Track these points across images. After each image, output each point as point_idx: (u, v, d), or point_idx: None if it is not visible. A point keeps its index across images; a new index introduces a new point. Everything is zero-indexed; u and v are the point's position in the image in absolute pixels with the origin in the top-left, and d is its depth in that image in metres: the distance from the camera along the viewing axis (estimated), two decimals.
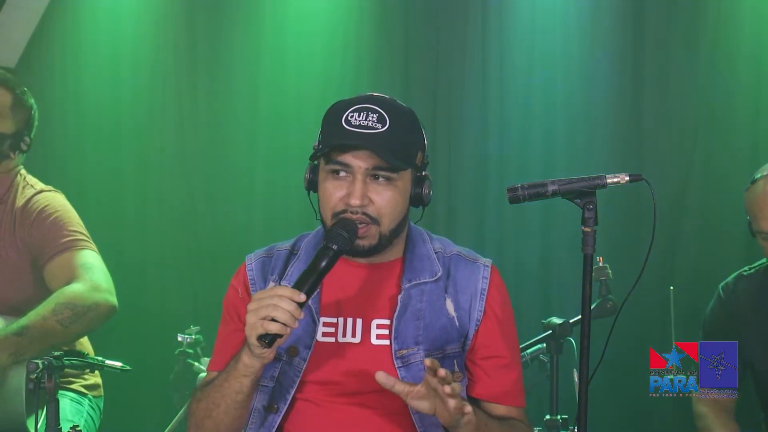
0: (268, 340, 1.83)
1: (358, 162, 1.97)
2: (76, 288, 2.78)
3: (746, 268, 2.80)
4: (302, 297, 1.84)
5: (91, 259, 2.88)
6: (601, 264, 2.89)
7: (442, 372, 1.79)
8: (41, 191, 2.97)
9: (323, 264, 1.90)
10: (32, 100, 2.99)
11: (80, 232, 2.92)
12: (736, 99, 3.72)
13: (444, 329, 2.05)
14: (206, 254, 4.16)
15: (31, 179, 3.02)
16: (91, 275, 2.83)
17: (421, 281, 2.07)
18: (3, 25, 4.08)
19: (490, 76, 3.94)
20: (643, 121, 3.82)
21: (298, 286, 1.88)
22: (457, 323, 2.06)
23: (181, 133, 4.22)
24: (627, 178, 1.87)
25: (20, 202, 2.93)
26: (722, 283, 2.79)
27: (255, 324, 1.82)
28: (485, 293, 2.09)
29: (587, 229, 1.88)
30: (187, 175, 4.21)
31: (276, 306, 1.81)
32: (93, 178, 4.22)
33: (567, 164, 3.84)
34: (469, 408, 1.84)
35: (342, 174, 1.99)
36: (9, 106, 2.94)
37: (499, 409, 2.09)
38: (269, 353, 1.88)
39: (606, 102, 3.86)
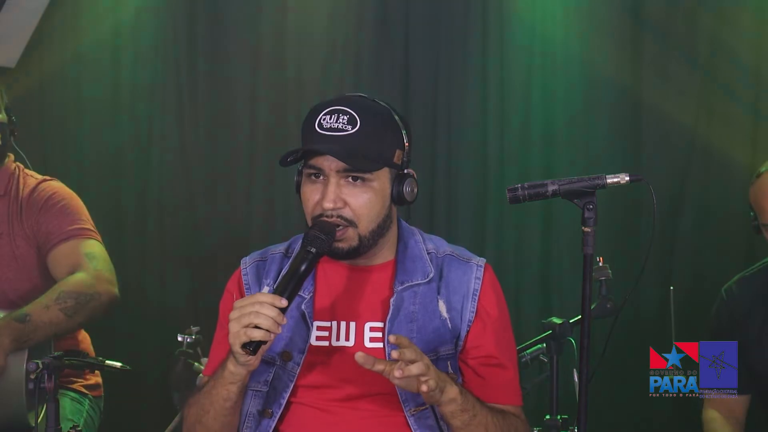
0: (252, 347, 1.83)
1: (329, 164, 1.97)
2: (79, 277, 2.79)
3: (747, 270, 2.81)
4: (284, 302, 1.84)
5: (95, 248, 2.90)
6: (601, 264, 2.89)
7: (395, 354, 1.79)
8: (45, 180, 3.00)
9: (303, 268, 1.91)
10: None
11: (85, 221, 2.94)
12: (735, 98, 3.72)
13: (437, 331, 2.05)
14: (206, 254, 4.16)
15: (30, 171, 3.03)
16: (95, 265, 2.85)
17: (414, 283, 2.07)
18: (3, 25, 4.08)
19: (490, 75, 3.94)
20: (643, 121, 3.82)
21: (278, 290, 1.88)
22: (449, 324, 2.06)
23: (181, 134, 4.21)
24: (627, 179, 1.88)
25: (25, 191, 2.94)
26: (725, 286, 2.79)
27: (238, 332, 1.82)
28: (477, 294, 2.08)
29: (587, 229, 1.88)
30: (188, 175, 4.21)
31: (258, 313, 1.81)
32: (92, 178, 4.21)
33: (567, 164, 3.84)
34: (425, 387, 1.83)
35: (317, 177, 2.00)
36: None
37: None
38: (254, 360, 1.88)
39: (606, 102, 3.85)
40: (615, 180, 1.88)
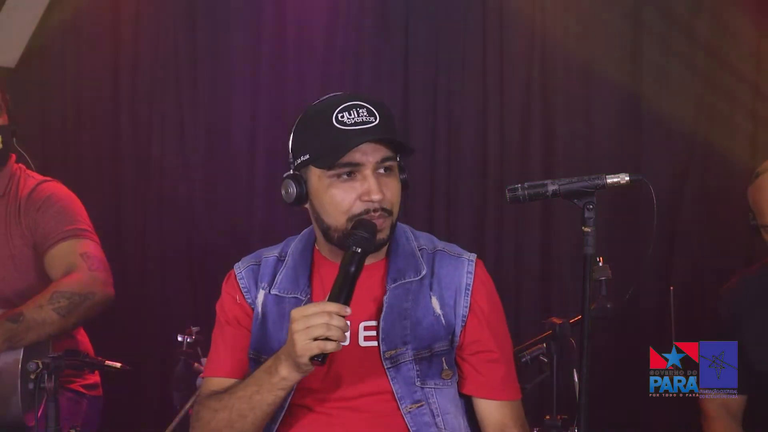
0: (321, 358, 1.83)
1: (368, 158, 1.96)
2: (74, 277, 2.80)
3: (747, 270, 2.80)
4: (349, 311, 1.84)
5: (91, 248, 2.91)
6: (601, 264, 2.89)
7: None
8: (44, 181, 3.01)
9: (353, 269, 1.90)
10: None
11: (82, 221, 2.95)
12: (735, 97, 3.71)
13: (430, 327, 2.05)
14: (206, 254, 4.16)
15: (30, 172, 3.04)
16: (90, 264, 2.85)
17: (406, 280, 2.07)
18: (3, 25, 4.08)
19: (490, 75, 3.94)
20: (642, 121, 3.81)
21: (333, 297, 1.87)
22: (443, 320, 2.06)
23: (181, 132, 4.22)
24: (627, 179, 1.88)
25: (24, 191, 2.95)
26: (725, 286, 2.79)
27: (310, 345, 1.82)
28: (470, 288, 2.09)
29: (587, 229, 1.88)
30: (188, 174, 4.21)
31: (329, 325, 1.81)
32: (92, 178, 4.22)
33: (567, 164, 3.84)
34: None
35: (349, 176, 1.98)
36: (1, 97, 2.96)
37: (493, 405, 2.08)
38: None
39: (606, 102, 3.85)
40: (615, 180, 1.88)
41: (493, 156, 3.93)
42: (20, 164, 3.04)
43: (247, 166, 4.16)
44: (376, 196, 1.96)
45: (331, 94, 2.06)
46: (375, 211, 1.97)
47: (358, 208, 1.97)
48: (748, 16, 3.71)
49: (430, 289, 2.08)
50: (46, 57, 4.27)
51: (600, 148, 3.84)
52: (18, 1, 4.07)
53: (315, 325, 1.81)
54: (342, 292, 1.87)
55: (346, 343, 1.87)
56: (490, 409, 2.08)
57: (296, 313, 1.84)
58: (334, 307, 1.83)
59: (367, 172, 1.97)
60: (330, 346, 1.81)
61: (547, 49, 3.89)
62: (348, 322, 1.84)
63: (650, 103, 3.80)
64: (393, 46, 4.04)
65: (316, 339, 1.81)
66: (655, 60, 3.79)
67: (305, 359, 1.83)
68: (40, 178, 3.02)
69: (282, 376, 1.90)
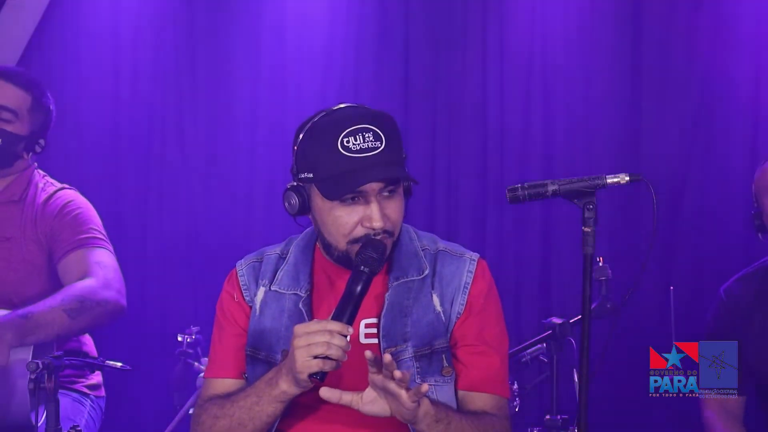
0: (320, 376, 1.85)
1: (372, 185, 1.96)
2: (87, 282, 2.79)
3: (745, 270, 2.80)
4: (351, 330, 1.86)
5: (105, 257, 2.89)
6: (601, 264, 2.89)
7: (387, 357, 1.80)
8: (63, 188, 3.00)
9: (359, 289, 1.91)
10: (51, 104, 3.03)
11: (98, 231, 2.95)
12: (734, 97, 3.72)
13: (431, 325, 2.06)
14: (206, 254, 4.16)
15: (50, 178, 3.04)
16: (105, 273, 2.84)
17: (408, 278, 2.08)
18: (3, 25, 4.08)
19: (490, 75, 3.94)
20: (642, 121, 3.82)
21: (339, 316, 1.88)
22: (443, 317, 2.07)
23: (181, 133, 4.22)
24: (627, 179, 1.88)
25: (41, 198, 2.95)
26: (723, 287, 2.79)
27: (309, 363, 1.83)
28: (468, 287, 2.09)
29: (587, 229, 1.88)
30: (187, 175, 4.21)
31: (329, 344, 1.82)
32: (92, 178, 4.21)
33: (567, 164, 3.84)
34: (425, 387, 1.82)
35: (354, 200, 1.97)
36: (28, 108, 2.97)
37: (478, 398, 2.07)
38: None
39: (605, 102, 3.85)
40: (615, 180, 1.88)
41: (493, 156, 3.93)
42: (39, 170, 3.04)
43: (247, 166, 4.16)
44: (377, 224, 1.97)
45: (341, 107, 2.04)
46: (376, 235, 1.97)
47: (360, 232, 1.98)
48: (746, 18, 3.71)
49: (432, 288, 2.09)
50: (46, 57, 4.27)
51: (600, 148, 3.84)
52: (18, 1, 4.07)
53: (316, 343, 1.83)
54: (346, 311, 1.89)
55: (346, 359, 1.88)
56: (480, 403, 2.07)
57: (299, 329, 1.86)
58: (336, 326, 1.84)
59: (371, 198, 1.97)
60: (329, 365, 1.83)
61: (548, 49, 3.90)
62: (349, 342, 1.85)
63: (650, 103, 3.80)
64: (393, 46, 4.04)
65: (316, 357, 1.82)
66: (654, 60, 3.79)
67: (304, 376, 1.85)
68: (59, 185, 3.02)
69: (282, 389, 1.92)
